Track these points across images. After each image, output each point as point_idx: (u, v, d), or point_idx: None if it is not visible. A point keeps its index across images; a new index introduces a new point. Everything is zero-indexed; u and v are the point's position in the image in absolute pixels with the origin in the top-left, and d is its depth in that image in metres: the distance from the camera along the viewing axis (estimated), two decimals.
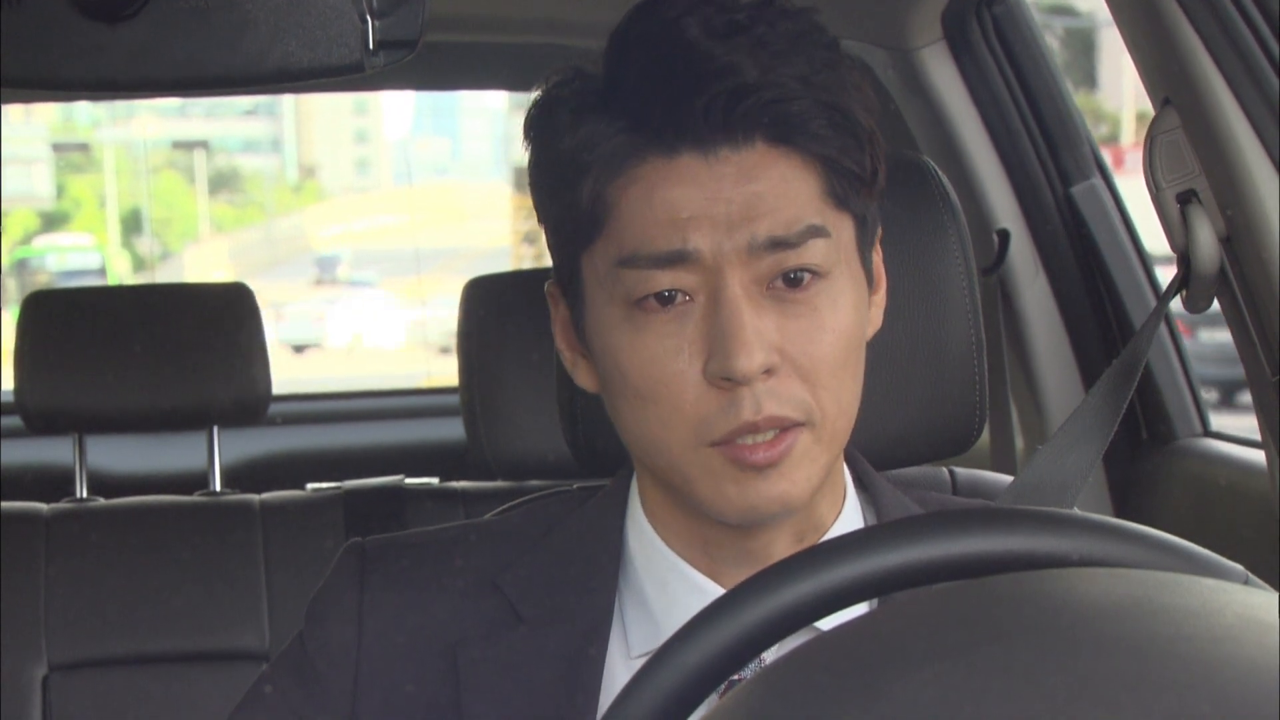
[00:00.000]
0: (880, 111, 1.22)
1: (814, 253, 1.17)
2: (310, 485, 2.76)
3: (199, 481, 2.91)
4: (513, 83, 3.29)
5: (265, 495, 2.69)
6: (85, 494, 2.82)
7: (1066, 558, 0.85)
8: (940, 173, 1.47)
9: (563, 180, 1.20)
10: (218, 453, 2.88)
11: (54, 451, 3.26)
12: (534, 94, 1.23)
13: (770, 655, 1.11)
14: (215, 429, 2.86)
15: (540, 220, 1.26)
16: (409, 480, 2.73)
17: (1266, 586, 0.85)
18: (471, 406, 2.37)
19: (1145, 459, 2.50)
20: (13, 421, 3.00)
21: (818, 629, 0.97)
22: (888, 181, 1.24)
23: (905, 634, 0.76)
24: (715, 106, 1.15)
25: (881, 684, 0.71)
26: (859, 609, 1.08)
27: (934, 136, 2.61)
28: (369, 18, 1.28)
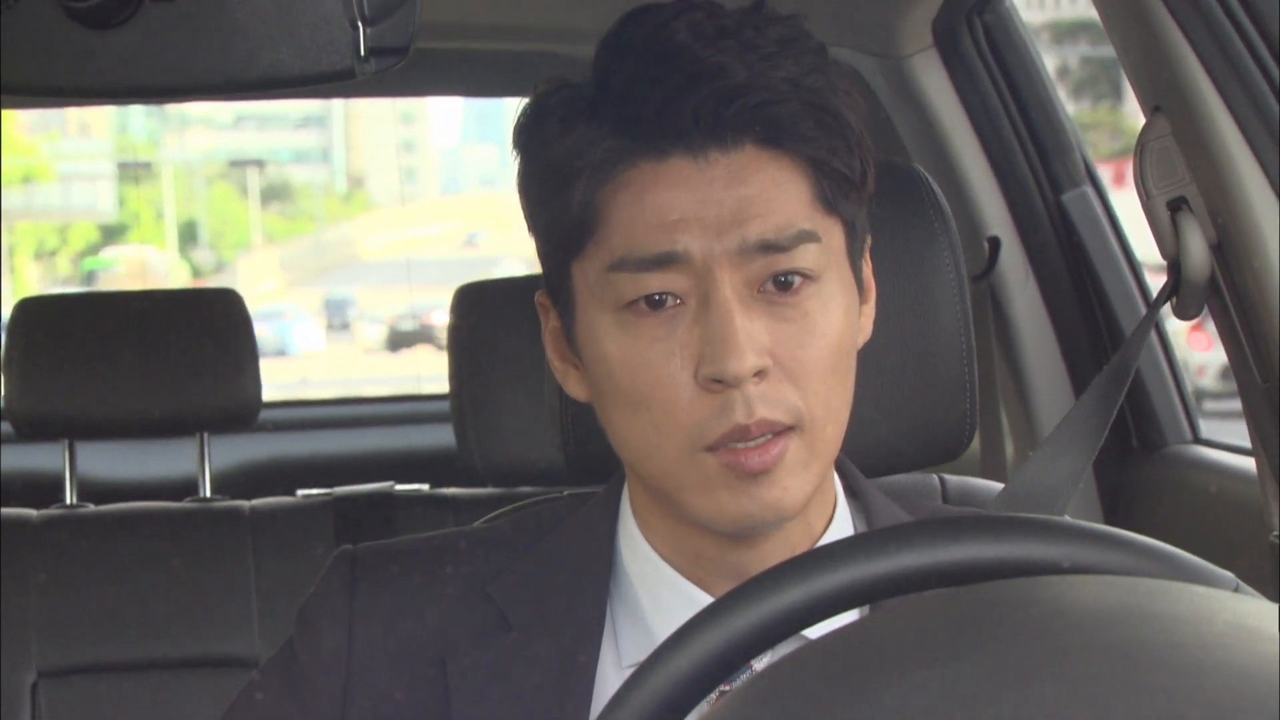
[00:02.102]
0: (868, 116, 1.22)
1: (805, 257, 1.17)
2: (300, 491, 2.76)
3: (189, 488, 2.90)
4: (505, 89, 3.29)
5: (255, 501, 2.69)
6: (75, 500, 2.81)
7: (1057, 565, 0.85)
8: (931, 180, 1.46)
9: (552, 187, 1.20)
10: (208, 459, 2.88)
11: (44, 457, 3.25)
12: (522, 102, 1.23)
13: (761, 663, 1.11)
14: (205, 435, 2.86)
15: (530, 229, 1.26)
16: (399, 487, 2.72)
17: (1256, 594, 0.85)
18: (462, 413, 2.37)
19: (1135, 466, 2.50)
20: (3, 427, 3.00)
21: (807, 636, 0.97)
22: (878, 189, 1.24)
23: (896, 641, 0.76)
24: (705, 109, 1.15)
25: (872, 690, 0.71)
26: (849, 616, 1.08)
27: (924, 144, 2.61)
28: (360, 24, 1.28)
